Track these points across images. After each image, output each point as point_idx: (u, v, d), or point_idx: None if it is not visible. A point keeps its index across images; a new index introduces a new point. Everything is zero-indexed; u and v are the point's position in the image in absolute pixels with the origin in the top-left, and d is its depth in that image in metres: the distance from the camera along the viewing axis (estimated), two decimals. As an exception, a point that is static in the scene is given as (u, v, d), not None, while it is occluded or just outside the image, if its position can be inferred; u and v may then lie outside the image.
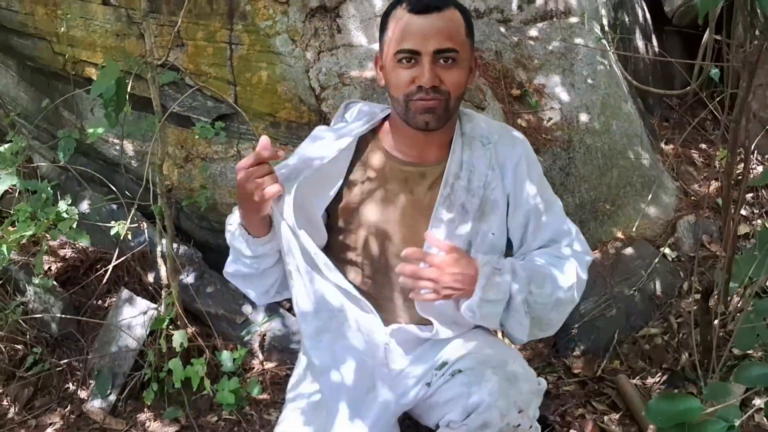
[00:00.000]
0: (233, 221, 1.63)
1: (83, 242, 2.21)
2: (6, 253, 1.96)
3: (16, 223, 2.16)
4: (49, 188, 2.26)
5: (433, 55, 1.47)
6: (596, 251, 2.84)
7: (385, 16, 1.56)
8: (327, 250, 1.65)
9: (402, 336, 1.66)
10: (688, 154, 3.41)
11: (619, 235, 2.90)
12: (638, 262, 2.78)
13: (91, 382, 2.39)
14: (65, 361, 2.41)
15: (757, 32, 1.40)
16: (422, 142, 1.61)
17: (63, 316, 2.44)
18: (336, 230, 1.68)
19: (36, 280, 2.32)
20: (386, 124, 1.69)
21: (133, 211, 2.35)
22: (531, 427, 1.54)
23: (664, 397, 0.93)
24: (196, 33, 2.58)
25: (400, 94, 1.52)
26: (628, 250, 2.81)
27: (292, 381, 1.78)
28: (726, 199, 1.81)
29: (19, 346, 2.41)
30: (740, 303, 2.33)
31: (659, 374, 2.45)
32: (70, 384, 2.40)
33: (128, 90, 2.17)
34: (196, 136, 2.52)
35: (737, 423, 0.84)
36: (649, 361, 2.52)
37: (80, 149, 3.02)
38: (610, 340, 2.59)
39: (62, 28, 2.61)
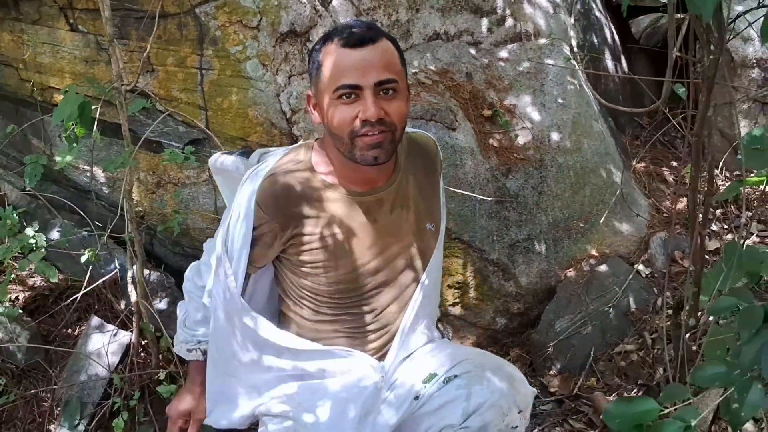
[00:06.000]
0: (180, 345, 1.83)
1: (51, 278, 2.18)
2: None
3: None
4: (15, 215, 2.23)
5: (374, 87, 1.42)
6: (570, 269, 2.85)
7: (315, 54, 1.50)
8: (291, 292, 1.68)
9: (391, 370, 1.64)
10: (659, 172, 3.45)
11: (593, 252, 2.91)
12: (612, 279, 2.79)
13: (58, 412, 2.34)
14: (32, 391, 2.35)
15: (712, 47, 1.43)
16: (372, 175, 1.57)
17: (30, 345, 2.39)
18: (298, 273, 1.64)
19: (0, 309, 2.27)
20: (319, 155, 1.62)
21: (104, 238, 2.32)
22: (525, 430, 1.55)
23: (621, 400, 0.93)
24: (166, 59, 2.58)
25: (344, 133, 1.45)
26: (602, 267, 2.82)
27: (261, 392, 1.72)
28: (692, 212, 1.83)
29: (-17, 378, 2.35)
30: (710, 317, 2.33)
31: (635, 390, 2.45)
32: (37, 415, 2.34)
33: (97, 116, 2.17)
34: (165, 162, 2.51)
35: (694, 423, 0.84)
36: (625, 377, 2.52)
37: (51, 177, 2.99)
38: (586, 357, 2.59)
39: (29, 54, 2.59)
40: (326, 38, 1.49)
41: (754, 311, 1.03)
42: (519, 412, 1.51)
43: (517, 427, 1.51)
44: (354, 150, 1.46)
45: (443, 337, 1.82)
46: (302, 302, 1.66)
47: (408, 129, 1.70)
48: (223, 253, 1.60)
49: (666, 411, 0.87)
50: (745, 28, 2.57)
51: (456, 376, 1.52)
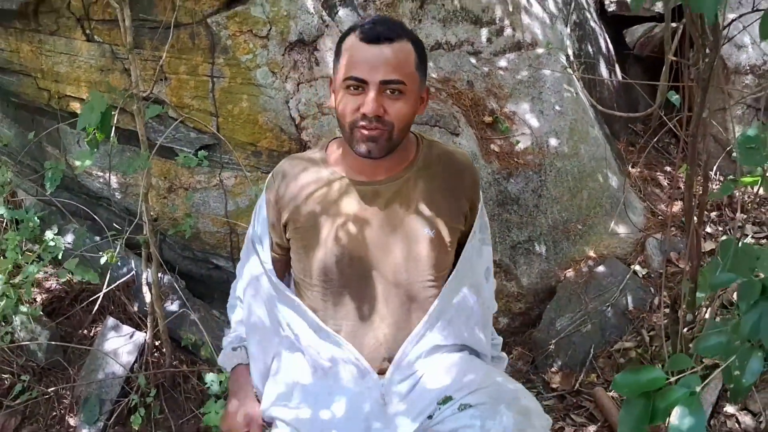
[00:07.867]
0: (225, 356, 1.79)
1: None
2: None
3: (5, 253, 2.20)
4: (36, 217, 2.30)
5: (379, 85, 1.49)
6: (570, 269, 2.94)
7: (340, 42, 1.59)
8: (299, 282, 1.73)
9: (398, 377, 1.62)
10: (653, 177, 3.55)
11: (591, 253, 3.01)
12: (610, 279, 2.88)
13: (78, 409, 2.40)
14: (52, 389, 2.42)
15: (707, 50, 1.52)
16: (370, 166, 1.63)
17: (50, 342, 2.46)
18: (295, 255, 1.70)
19: (23, 308, 2.34)
20: (334, 149, 1.71)
21: (121, 241, 2.39)
22: None
23: (629, 370, 1.01)
24: (178, 67, 2.67)
25: (345, 121, 1.54)
26: (600, 268, 2.91)
27: (278, 391, 1.69)
28: (689, 209, 1.92)
29: (6, 375, 2.42)
30: (707, 312, 2.42)
31: (634, 385, 2.53)
32: (58, 412, 2.41)
33: (114, 122, 2.25)
34: (179, 166, 2.58)
35: (698, 389, 0.92)
36: (625, 373, 2.59)
37: (64, 184, 3.06)
38: (586, 354, 2.68)
39: (47, 64, 2.67)
40: (352, 28, 1.58)
41: (753, 284, 1.12)
42: None
43: None
44: (352, 139, 1.56)
45: (480, 357, 1.75)
46: (305, 292, 1.69)
47: (448, 146, 1.77)
48: (255, 236, 1.74)
49: (672, 379, 0.95)
50: (740, 31, 2.67)
51: (471, 406, 1.52)
